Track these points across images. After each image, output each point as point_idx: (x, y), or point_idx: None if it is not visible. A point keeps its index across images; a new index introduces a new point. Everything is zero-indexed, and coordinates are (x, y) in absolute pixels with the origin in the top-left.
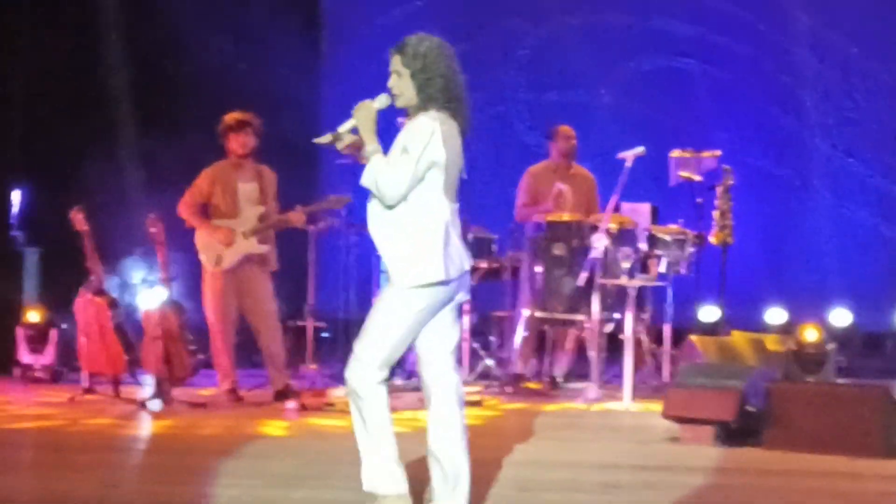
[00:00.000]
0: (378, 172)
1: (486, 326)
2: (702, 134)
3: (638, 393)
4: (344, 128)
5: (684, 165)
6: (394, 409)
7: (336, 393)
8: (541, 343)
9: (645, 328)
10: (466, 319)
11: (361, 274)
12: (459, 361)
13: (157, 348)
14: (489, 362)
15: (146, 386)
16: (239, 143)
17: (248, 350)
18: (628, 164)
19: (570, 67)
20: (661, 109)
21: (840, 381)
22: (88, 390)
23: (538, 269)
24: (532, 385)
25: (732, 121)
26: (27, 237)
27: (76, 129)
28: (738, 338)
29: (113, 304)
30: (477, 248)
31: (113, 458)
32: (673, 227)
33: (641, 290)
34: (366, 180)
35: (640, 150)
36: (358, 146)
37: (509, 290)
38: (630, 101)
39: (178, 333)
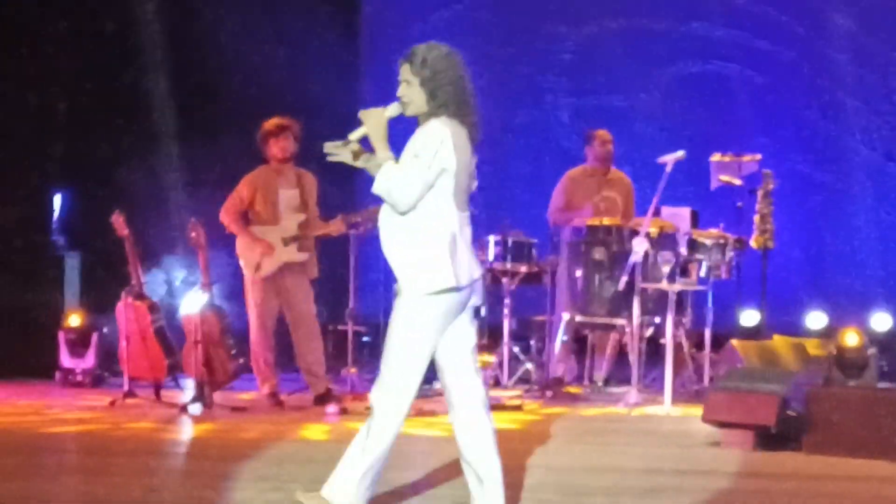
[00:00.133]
0: (390, 180)
1: (525, 330)
2: (742, 138)
3: (678, 397)
4: (355, 135)
5: (724, 169)
6: (432, 413)
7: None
8: (581, 347)
9: (685, 332)
10: (506, 324)
11: None
12: (500, 366)
13: (198, 352)
14: (529, 366)
15: (187, 390)
16: (279, 148)
17: (288, 354)
18: (669, 168)
19: (610, 72)
20: (701, 114)
21: (881, 385)
22: (129, 394)
23: (578, 273)
24: (572, 389)
25: (772, 125)
26: (68, 242)
27: (117, 134)
28: (779, 342)
29: (154, 308)
30: (516, 253)
31: (154, 462)
32: (713, 231)
33: (682, 295)
34: (378, 188)
35: (680, 154)
36: (356, 153)
37: (549, 295)
38: (670, 106)
39: (219, 337)
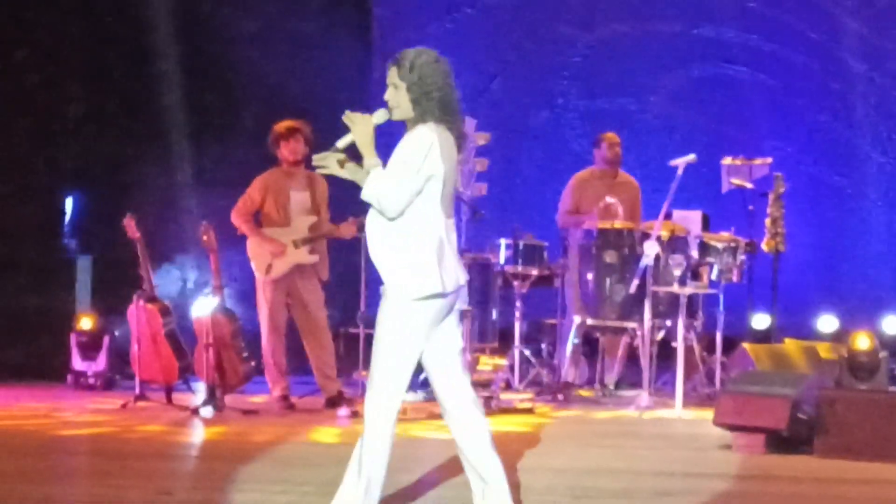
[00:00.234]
0: (379, 186)
1: (537, 334)
2: (753, 141)
3: (689, 400)
4: (342, 143)
5: (736, 173)
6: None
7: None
8: (592, 350)
9: (696, 336)
10: (517, 327)
11: None
12: (511, 369)
13: (210, 355)
14: (540, 370)
15: (198, 393)
16: (290, 150)
17: (299, 358)
18: (680, 171)
19: (621, 75)
20: (711, 117)
21: (892, 388)
22: (141, 397)
23: (589, 276)
24: (583, 392)
25: (783, 128)
26: (80, 244)
27: (129, 136)
28: (791, 345)
29: (165, 311)
30: (527, 256)
31: (165, 466)
32: (724, 234)
33: (693, 298)
34: (367, 194)
35: (691, 157)
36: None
37: (560, 298)
38: (681, 109)
39: (231, 340)
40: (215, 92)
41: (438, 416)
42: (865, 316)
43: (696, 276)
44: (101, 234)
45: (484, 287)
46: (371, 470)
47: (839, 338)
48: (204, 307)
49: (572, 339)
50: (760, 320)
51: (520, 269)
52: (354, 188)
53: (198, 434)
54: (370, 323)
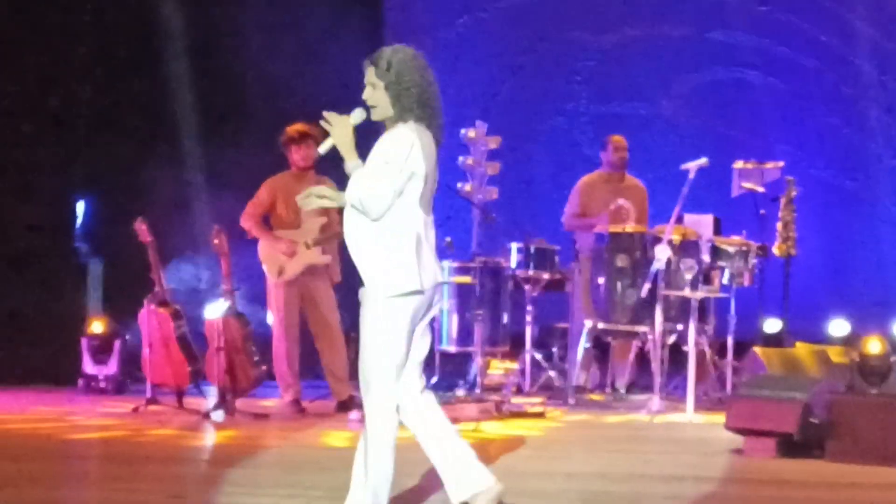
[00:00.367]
0: (361, 188)
1: (548, 338)
2: (765, 145)
3: (701, 405)
4: (324, 148)
5: (747, 177)
6: (455, 420)
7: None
8: (603, 354)
9: (708, 340)
10: (528, 331)
11: None
12: (522, 373)
13: (221, 359)
14: (551, 374)
15: (209, 397)
16: (301, 156)
17: (311, 361)
18: (691, 175)
19: (632, 79)
20: (723, 121)
21: None
22: (152, 401)
23: (601, 280)
24: (594, 396)
25: (795, 132)
26: (91, 248)
27: (140, 140)
28: (802, 349)
29: (177, 314)
30: (538, 260)
31: (176, 469)
32: (736, 238)
33: (704, 302)
34: (349, 197)
35: (703, 161)
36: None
37: (571, 302)
38: (692, 113)
39: (242, 344)
40: (226, 95)
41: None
42: (877, 320)
43: (707, 280)
44: (112, 238)
45: (495, 291)
46: (377, 474)
47: (850, 342)
48: (215, 311)
49: (583, 343)
50: (772, 324)
51: (531, 272)
52: None
53: (209, 438)
54: None
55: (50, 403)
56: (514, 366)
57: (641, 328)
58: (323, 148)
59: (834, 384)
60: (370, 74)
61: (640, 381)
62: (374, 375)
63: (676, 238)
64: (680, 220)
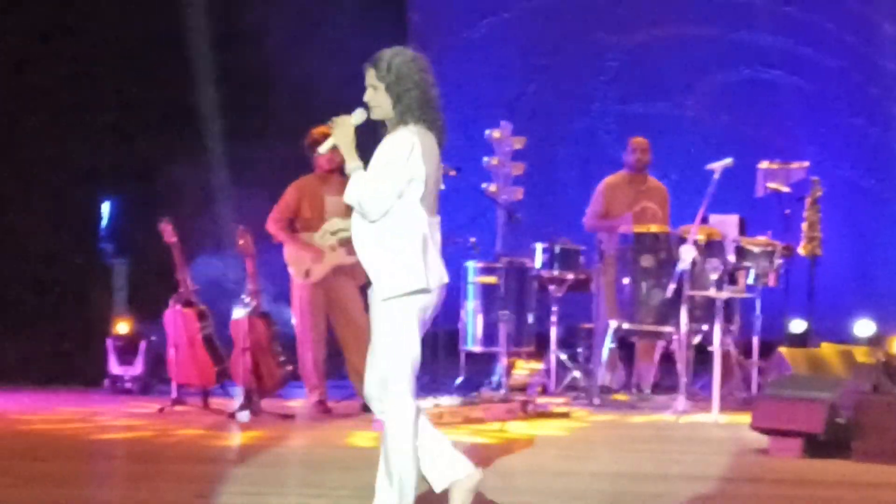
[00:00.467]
0: (361, 189)
1: (573, 338)
2: (789, 145)
3: (726, 405)
4: (325, 148)
5: (772, 177)
6: (481, 421)
7: (423, 404)
8: (628, 354)
9: (733, 340)
10: (553, 331)
11: (448, 285)
12: (547, 373)
13: (246, 359)
14: (576, 374)
15: (235, 397)
16: (325, 159)
17: (336, 362)
18: (717, 175)
19: (657, 79)
20: (748, 121)
21: None
22: (177, 401)
23: (626, 280)
24: (619, 396)
25: (820, 132)
26: (116, 249)
27: (164, 140)
28: (827, 349)
29: (202, 315)
30: (563, 260)
31: (202, 469)
32: (761, 238)
33: (729, 302)
34: (349, 197)
35: (728, 161)
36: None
37: (595, 302)
38: (717, 113)
39: (268, 345)
40: (250, 95)
41: (475, 420)
42: None
43: (732, 280)
44: (137, 239)
45: (520, 291)
46: (402, 473)
47: (876, 341)
48: (241, 311)
49: (609, 344)
50: (797, 324)
51: (556, 273)
52: None
53: (234, 438)
54: None
55: (76, 404)
56: (540, 366)
57: (667, 328)
58: (324, 148)
59: (859, 384)
60: (371, 76)
61: (666, 382)
62: (390, 375)
63: (702, 238)
64: (705, 220)
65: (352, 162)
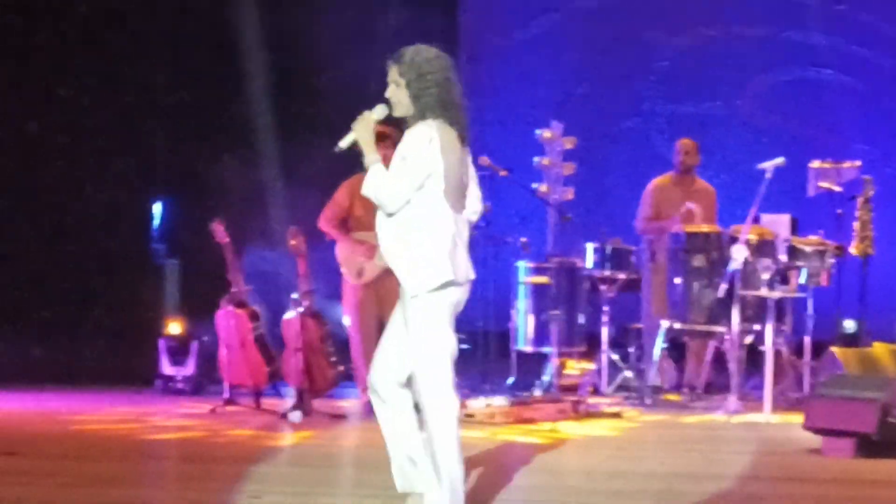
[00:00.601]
0: (378, 181)
1: (624, 338)
2: (841, 144)
3: (778, 405)
4: (345, 142)
5: (824, 176)
6: (532, 421)
7: (475, 404)
8: (680, 355)
9: (785, 340)
10: (604, 331)
11: (499, 285)
12: (599, 373)
13: (298, 359)
14: (628, 374)
15: (287, 397)
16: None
17: None
18: (768, 175)
19: (707, 79)
20: (799, 120)
21: None
22: (229, 402)
23: (677, 280)
24: (671, 397)
25: (872, 131)
26: (168, 249)
27: (216, 141)
28: (880, 349)
29: (254, 315)
30: (615, 260)
31: (254, 470)
32: (813, 238)
33: (781, 302)
34: (366, 189)
35: (779, 160)
36: None
37: (643, 302)
38: (768, 113)
39: (320, 345)
40: (301, 95)
41: (526, 421)
42: None
43: (784, 280)
44: (189, 239)
45: (571, 291)
46: (450, 470)
47: None
48: (293, 311)
49: (660, 344)
50: (849, 324)
51: (607, 273)
52: None
53: (286, 438)
54: (456, 326)
55: (128, 404)
56: (591, 366)
57: (718, 328)
58: (344, 142)
59: None
60: (393, 73)
61: (717, 382)
62: (426, 374)
63: (753, 238)
64: (757, 219)
65: (370, 155)
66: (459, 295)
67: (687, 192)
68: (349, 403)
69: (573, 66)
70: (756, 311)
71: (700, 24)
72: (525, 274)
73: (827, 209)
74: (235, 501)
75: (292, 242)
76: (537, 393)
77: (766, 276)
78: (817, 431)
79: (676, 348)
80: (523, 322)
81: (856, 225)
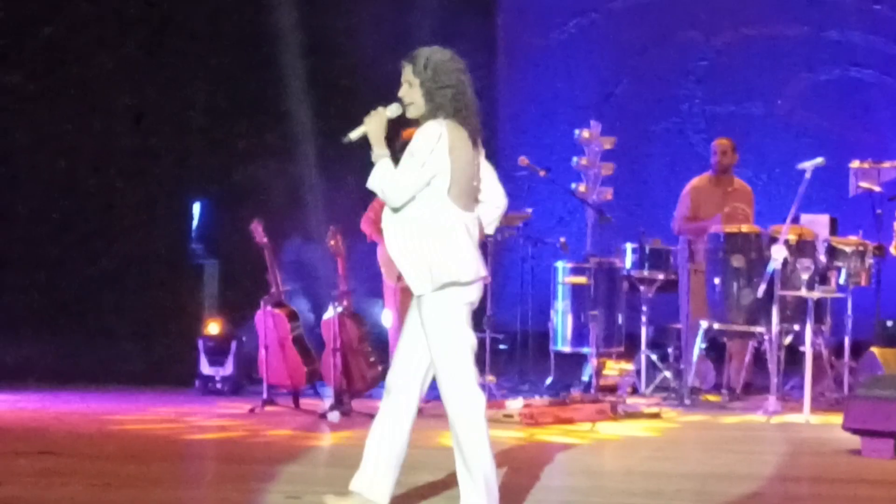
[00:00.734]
0: (384, 176)
1: (663, 338)
2: (881, 144)
3: (818, 405)
4: (355, 134)
5: (864, 176)
6: (571, 421)
7: (513, 404)
8: (719, 355)
9: (824, 340)
10: (643, 331)
11: (538, 285)
12: (638, 374)
13: (337, 360)
14: (666, 374)
15: (326, 398)
16: None
17: None
18: (808, 175)
19: (746, 79)
20: (838, 120)
21: None
22: (268, 402)
23: (716, 280)
24: (710, 397)
25: None
26: (207, 250)
27: (254, 141)
28: None
29: (293, 315)
30: (653, 260)
31: (293, 470)
32: (852, 238)
33: (821, 302)
34: (372, 183)
35: (819, 160)
36: None
37: (681, 302)
38: (807, 112)
39: (358, 345)
40: (339, 96)
41: (565, 421)
42: None
43: (823, 280)
44: (227, 239)
45: (610, 291)
46: (481, 466)
47: None
48: (331, 311)
49: (699, 344)
50: (889, 324)
51: (646, 273)
52: None
53: (325, 438)
54: (496, 327)
55: (167, 405)
56: (630, 366)
57: (757, 328)
58: (354, 134)
59: None
60: (407, 72)
61: (757, 382)
62: (448, 370)
63: (793, 238)
64: (796, 219)
65: (378, 150)
66: (471, 293)
67: (725, 192)
68: None
69: (611, 66)
70: (795, 312)
71: (739, 23)
72: (564, 274)
73: (866, 209)
74: (274, 502)
75: (331, 242)
76: (576, 393)
77: (805, 276)
78: (856, 432)
79: (715, 349)
80: (562, 322)
81: (895, 225)
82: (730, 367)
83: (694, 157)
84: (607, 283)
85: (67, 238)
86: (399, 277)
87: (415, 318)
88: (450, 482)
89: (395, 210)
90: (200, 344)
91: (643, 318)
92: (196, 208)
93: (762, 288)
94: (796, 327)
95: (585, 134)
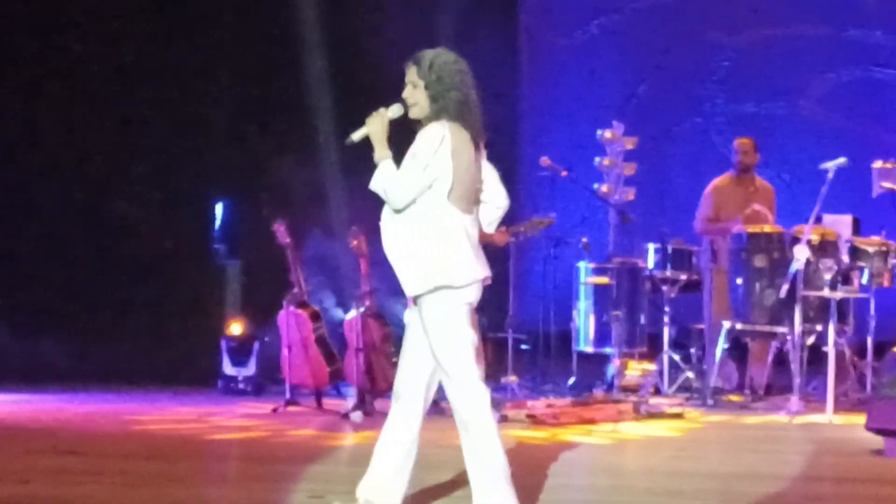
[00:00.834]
0: (386, 177)
1: (685, 338)
2: None
3: (840, 405)
4: (357, 135)
5: (887, 176)
6: (593, 421)
7: (536, 404)
8: (742, 355)
9: (847, 340)
10: (665, 332)
11: (560, 285)
12: (660, 374)
13: (360, 360)
14: (689, 374)
15: (348, 398)
16: None
17: None
18: (830, 175)
19: (768, 79)
20: (861, 120)
21: None
22: (291, 402)
23: (739, 280)
24: (733, 397)
25: None
26: (229, 250)
27: (278, 141)
28: None
29: (315, 316)
30: (676, 260)
31: (316, 469)
32: (875, 238)
33: (843, 302)
34: (374, 184)
35: (842, 160)
36: None
37: (704, 302)
38: (830, 112)
39: (381, 345)
40: (361, 95)
41: (587, 421)
42: None
43: (846, 280)
44: (250, 240)
45: (632, 292)
46: (494, 461)
47: None
48: (354, 312)
49: (722, 344)
50: None
51: (668, 273)
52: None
53: (347, 439)
54: (518, 328)
55: (189, 404)
56: (652, 367)
57: (780, 329)
58: (357, 135)
59: None
60: (412, 74)
61: (779, 382)
62: (455, 371)
63: (815, 238)
64: (819, 220)
65: (381, 151)
66: (468, 295)
67: (746, 192)
68: None
69: (634, 66)
70: (818, 312)
71: (761, 23)
72: (586, 274)
73: (889, 209)
74: (297, 501)
75: (354, 243)
76: (598, 393)
77: (828, 276)
78: (879, 432)
79: (738, 349)
80: (584, 322)
81: None
82: (752, 367)
83: (716, 158)
84: (630, 284)
85: (90, 239)
86: None
87: (416, 322)
88: (462, 482)
89: (397, 211)
90: (223, 344)
91: (665, 319)
92: (219, 208)
93: (785, 288)
94: (819, 327)
95: (608, 134)
